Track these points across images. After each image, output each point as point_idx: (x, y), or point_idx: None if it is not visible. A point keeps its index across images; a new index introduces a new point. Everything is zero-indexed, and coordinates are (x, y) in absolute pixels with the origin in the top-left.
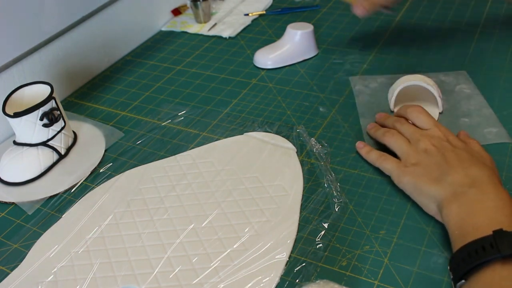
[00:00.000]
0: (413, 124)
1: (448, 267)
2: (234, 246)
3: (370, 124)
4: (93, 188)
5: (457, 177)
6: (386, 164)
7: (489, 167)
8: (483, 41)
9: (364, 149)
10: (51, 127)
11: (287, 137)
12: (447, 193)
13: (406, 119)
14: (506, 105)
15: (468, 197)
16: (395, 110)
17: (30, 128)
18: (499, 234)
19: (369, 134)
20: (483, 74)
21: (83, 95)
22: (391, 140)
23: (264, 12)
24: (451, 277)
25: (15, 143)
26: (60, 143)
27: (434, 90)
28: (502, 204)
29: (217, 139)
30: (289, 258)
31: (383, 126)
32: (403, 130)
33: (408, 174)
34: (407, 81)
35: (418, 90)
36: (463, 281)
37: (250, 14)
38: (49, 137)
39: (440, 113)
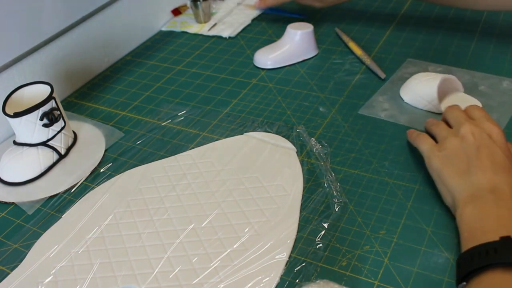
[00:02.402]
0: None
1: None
2: (234, 246)
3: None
4: (93, 188)
5: (481, 178)
6: (422, 144)
7: None
8: (483, 41)
9: (409, 132)
10: (51, 127)
11: (287, 137)
12: (466, 192)
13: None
14: None
15: (484, 201)
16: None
17: (30, 128)
18: (505, 240)
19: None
20: (482, 71)
21: (83, 95)
22: (432, 128)
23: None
24: (455, 278)
25: (15, 143)
26: (60, 143)
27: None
28: None
29: (217, 139)
30: (289, 258)
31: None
32: (450, 115)
33: (438, 160)
34: (420, 77)
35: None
36: (464, 283)
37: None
38: (49, 137)
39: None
